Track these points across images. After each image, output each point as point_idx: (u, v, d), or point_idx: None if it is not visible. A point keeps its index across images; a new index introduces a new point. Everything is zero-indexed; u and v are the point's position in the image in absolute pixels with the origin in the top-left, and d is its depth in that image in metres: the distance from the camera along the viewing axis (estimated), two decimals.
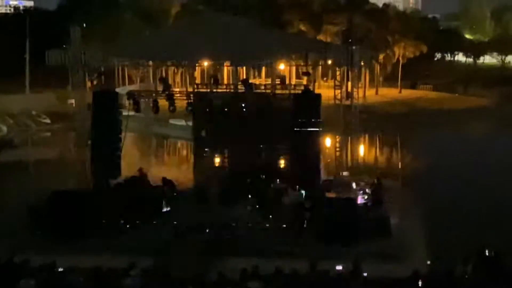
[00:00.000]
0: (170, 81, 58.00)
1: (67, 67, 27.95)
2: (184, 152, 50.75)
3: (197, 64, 33.36)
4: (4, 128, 72.85)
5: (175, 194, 30.28)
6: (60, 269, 16.36)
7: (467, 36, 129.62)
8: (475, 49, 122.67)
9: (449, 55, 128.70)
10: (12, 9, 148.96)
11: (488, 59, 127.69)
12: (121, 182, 29.57)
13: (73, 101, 28.48)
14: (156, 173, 32.70)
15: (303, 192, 28.91)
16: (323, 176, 28.21)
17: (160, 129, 40.60)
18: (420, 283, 15.68)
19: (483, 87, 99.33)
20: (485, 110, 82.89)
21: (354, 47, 27.77)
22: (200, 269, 20.19)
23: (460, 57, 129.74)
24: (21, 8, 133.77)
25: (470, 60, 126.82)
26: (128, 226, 26.73)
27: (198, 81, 52.86)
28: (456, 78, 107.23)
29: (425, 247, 25.92)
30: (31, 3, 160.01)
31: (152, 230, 26.29)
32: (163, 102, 30.37)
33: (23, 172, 44.47)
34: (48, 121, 74.43)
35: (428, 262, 17.20)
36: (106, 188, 27.95)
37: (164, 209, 29.30)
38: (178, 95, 31.20)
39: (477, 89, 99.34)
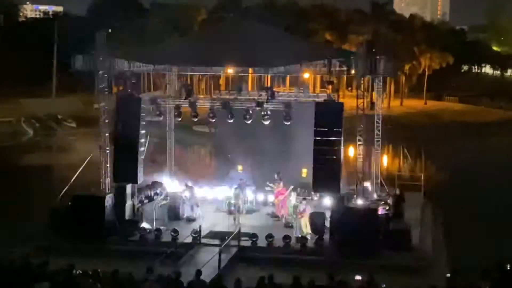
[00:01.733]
0: (195, 88, 58.27)
1: (93, 72, 28.17)
2: (207, 159, 50.95)
3: (222, 71, 33.46)
4: (30, 132, 73.78)
5: (196, 200, 30.38)
6: (78, 272, 16.46)
7: (495, 48, 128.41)
8: (503, 62, 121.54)
9: (476, 67, 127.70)
10: (41, 14, 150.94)
11: None
12: (142, 187, 29.74)
13: (98, 105, 28.64)
14: (178, 179, 32.87)
15: (324, 201, 28.85)
16: (344, 185, 28.07)
17: (183, 135, 40.71)
18: None
19: (510, 100, 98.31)
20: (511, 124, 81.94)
21: (378, 57, 27.62)
22: (217, 276, 20.21)
23: (487, 69, 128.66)
24: (51, 13, 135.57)
25: (498, 72, 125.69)
26: (148, 231, 26.89)
27: (222, 88, 53.16)
28: (482, 90, 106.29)
29: (445, 260, 25.73)
30: (60, 8, 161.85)
31: (172, 235, 26.35)
32: (186, 109, 30.53)
33: (48, 175, 44.95)
34: (73, 125, 75.22)
35: (448, 275, 17.03)
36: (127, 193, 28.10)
37: (185, 215, 29.44)
38: (202, 101, 31.30)
39: (503, 102, 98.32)
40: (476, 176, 44.36)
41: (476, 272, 16.03)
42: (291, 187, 29.41)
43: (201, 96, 49.47)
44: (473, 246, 27.11)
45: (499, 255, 20.54)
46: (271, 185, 30.21)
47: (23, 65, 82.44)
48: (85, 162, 29.26)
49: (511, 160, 52.88)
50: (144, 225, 27.32)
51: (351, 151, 31.26)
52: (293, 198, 29.13)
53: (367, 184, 30.09)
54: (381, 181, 30.62)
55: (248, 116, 28.97)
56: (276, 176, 30.24)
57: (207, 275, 19.83)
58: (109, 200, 27.08)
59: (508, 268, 16.00)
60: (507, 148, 60.49)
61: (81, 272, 16.60)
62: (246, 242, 25.81)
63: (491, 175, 44.05)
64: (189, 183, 31.53)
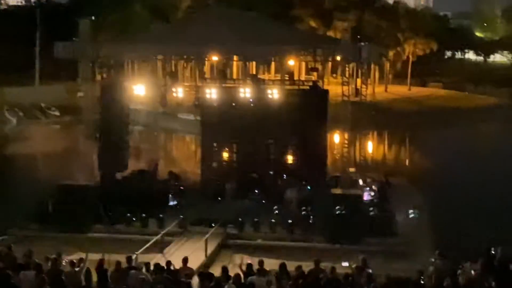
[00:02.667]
0: (179, 75, 58.08)
1: (76, 59, 27.99)
2: (192, 146, 50.86)
3: (206, 59, 33.36)
4: (14, 120, 73.19)
5: (181, 187, 30.33)
6: (64, 261, 16.43)
7: (478, 34, 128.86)
8: (486, 48, 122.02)
9: (459, 53, 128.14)
10: (23, 1, 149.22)
11: (498, 58, 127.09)
12: (128, 176, 29.64)
13: (82, 93, 28.50)
14: (163, 166, 32.78)
15: (309, 187, 28.92)
16: (330, 172, 28.16)
17: (168, 123, 40.62)
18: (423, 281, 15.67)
19: (493, 86, 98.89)
20: (494, 109, 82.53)
21: (363, 44, 27.67)
22: (204, 263, 20.28)
23: (470, 55, 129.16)
24: (33, 0, 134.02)
25: (481, 58, 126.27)
26: (134, 219, 26.80)
27: (207, 75, 52.87)
28: (466, 76, 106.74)
29: (430, 245, 25.91)
30: None
31: (158, 223, 26.32)
32: (172, 96, 30.41)
33: (32, 164, 44.66)
34: (57, 113, 74.69)
35: (433, 260, 17.17)
36: (113, 181, 28.00)
37: (171, 203, 29.38)
38: (187, 89, 31.20)
39: (487, 87, 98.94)
40: (461, 161, 44.61)
41: (461, 256, 16.20)
42: None
43: (186, 84, 49.30)
44: (458, 231, 27.30)
45: (484, 239, 20.75)
46: None
47: (6, 54, 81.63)
48: (70, 151, 29.14)
49: (496, 146, 53.21)
50: (130, 213, 27.19)
51: (336, 138, 31.39)
52: None
53: (352, 170, 30.18)
54: (366, 167, 30.74)
55: (233, 103, 28.93)
56: None
57: (194, 262, 19.84)
58: (95, 188, 26.96)
59: (495, 253, 16.15)
60: (491, 133, 60.91)
61: (67, 261, 16.58)
62: (233, 229, 25.83)
63: (477, 160, 44.33)
64: (175, 171, 31.51)
